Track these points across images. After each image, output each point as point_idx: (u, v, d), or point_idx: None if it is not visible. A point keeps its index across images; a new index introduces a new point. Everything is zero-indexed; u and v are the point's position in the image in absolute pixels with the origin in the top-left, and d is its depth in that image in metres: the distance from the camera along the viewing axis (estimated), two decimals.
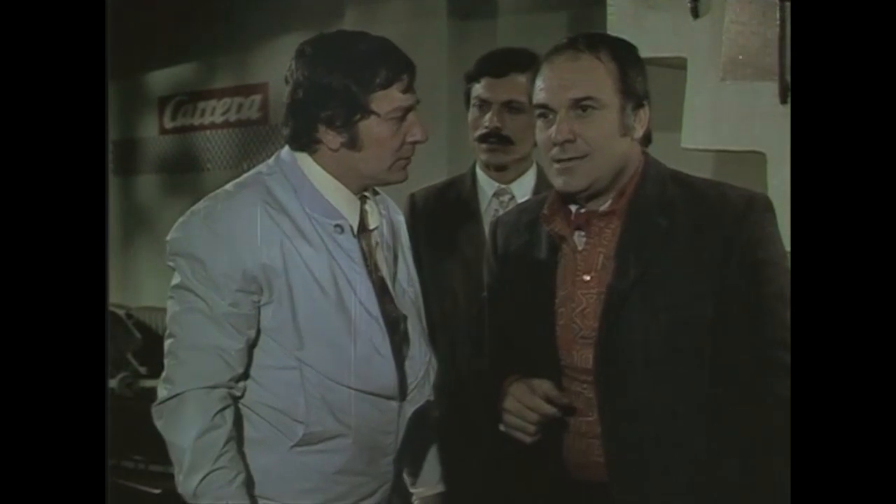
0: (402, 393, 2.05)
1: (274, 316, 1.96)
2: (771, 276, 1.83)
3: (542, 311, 1.94)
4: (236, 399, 1.97)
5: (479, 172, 2.72)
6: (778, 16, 2.96)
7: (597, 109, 1.87)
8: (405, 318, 2.08)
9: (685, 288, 1.84)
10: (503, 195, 2.68)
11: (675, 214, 1.89)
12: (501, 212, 2.54)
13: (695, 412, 1.84)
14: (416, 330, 2.10)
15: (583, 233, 1.94)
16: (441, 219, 2.69)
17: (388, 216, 2.15)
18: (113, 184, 6.32)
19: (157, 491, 4.35)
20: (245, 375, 1.98)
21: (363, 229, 2.05)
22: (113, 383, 4.97)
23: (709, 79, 3.21)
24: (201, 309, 1.94)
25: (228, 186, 2.03)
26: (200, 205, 2.00)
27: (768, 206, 1.89)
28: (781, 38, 2.94)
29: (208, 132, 6.21)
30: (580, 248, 1.94)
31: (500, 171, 2.68)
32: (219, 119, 6.14)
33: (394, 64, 1.96)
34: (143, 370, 5.21)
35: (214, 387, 1.93)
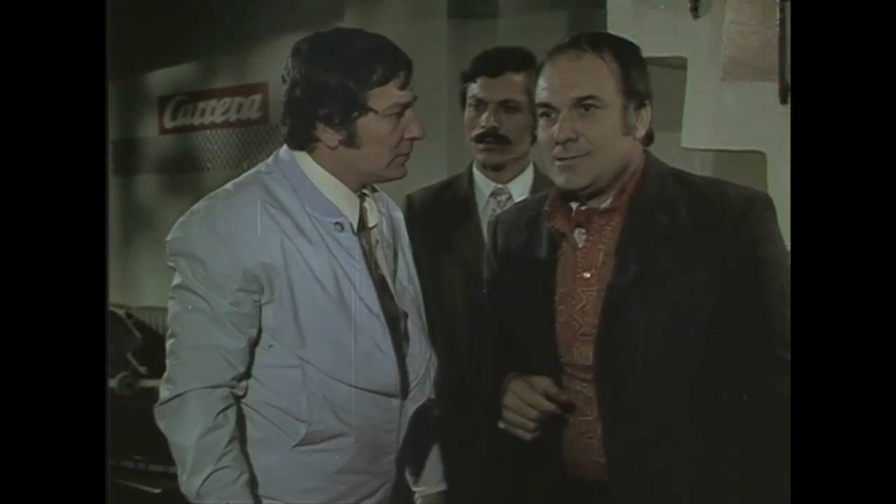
0: (404, 390, 2.05)
1: (275, 315, 1.96)
2: (771, 274, 1.83)
3: (541, 308, 1.94)
4: (238, 398, 1.98)
5: (476, 172, 2.71)
6: (778, 16, 2.96)
7: (599, 108, 1.88)
8: (406, 315, 2.09)
9: (685, 285, 1.85)
10: (500, 195, 2.68)
11: (676, 212, 1.89)
12: (499, 211, 2.54)
13: (695, 410, 1.84)
14: (416, 327, 2.10)
15: (583, 230, 1.94)
16: (438, 219, 2.69)
17: (388, 213, 2.16)
18: (113, 184, 6.31)
19: (157, 491, 4.34)
20: (247, 375, 1.98)
21: (363, 227, 2.05)
22: (113, 383, 4.96)
23: (709, 79, 3.20)
24: (202, 308, 1.94)
25: (228, 186, 2.04)
26: (200, 204, 2.00)
27: (769, 204, 1.89)
28: (781, 37, 2.94)
29: (208, 132, 6.21)
30: (580, 245, 1.94)
31: (496, 170, 2.68)
32: (219, 119, 6.14)
33: (390, 60, 1.96)
34: (143, 370, 5.20)
35: (216, 386, 1.94)
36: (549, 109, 1.91)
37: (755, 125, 3.05)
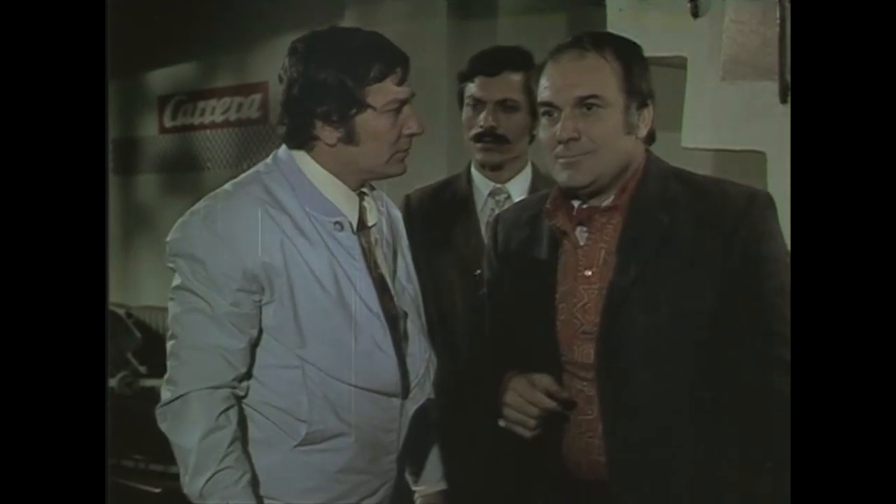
0: (405, 390, 2.05)
1: (275, 315, 1.96)
2: (772, 272, 1.83)
3: (542, 306, 1.95)
4: (240, 399, 1.98)
5: (475, 172, 2.71)
6: (778, 15, 2.96)
7: (601, 108, 1.88)
8: (405, 315, 2.09)
9: (686, 283, 1.85)
10: (499, 194, 2.68)
11: (677, 210, 1.89)
12: (498, 211, 2.54)
13: (695, 408, 1.84)
14: (415, 327, 2.10)
15: (585, 228, 1.94)
16: (437, 219, 2.69)
17: (387, 212, 2.16)
18: (112, 183, 6.31)
19: (157, 490, 4.34)
20: (248, 375, 1.98)
21: (362, 226, 2.05)
22: (113, 382, 4.96)
23: (709, 78, 3.20)
24: (202, 309, 1.94)
25: (227, 186, 2.03)
26: (199, 205, 2.00)
27: (769, 203, 1.90)
28: (781, 37, 2.94)
29: (208, 131, 6.21)
30: (582, 243, 1.94)
31: (495, 170, 2.68)
32: (219, 118, 6.14)
33: (387, 57, 1.96)
34: (143, 369, 5.19)
35: (218, 387, 1.94)
36: (551, 108, 1.91)
37: (755, 125, 3.05)
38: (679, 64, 3.30)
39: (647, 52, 2.01)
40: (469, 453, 2.36)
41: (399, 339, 2.06)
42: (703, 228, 1.87)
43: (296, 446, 1.98)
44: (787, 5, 2.89)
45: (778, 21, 2.96)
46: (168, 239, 1.99)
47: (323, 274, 1.97)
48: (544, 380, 1.87)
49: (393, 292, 2.08)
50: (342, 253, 1.99)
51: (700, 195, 1.91)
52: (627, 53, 1.93)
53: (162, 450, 1.99)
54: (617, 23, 3.37)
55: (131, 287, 6.17)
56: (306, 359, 1.96)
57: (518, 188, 2.68)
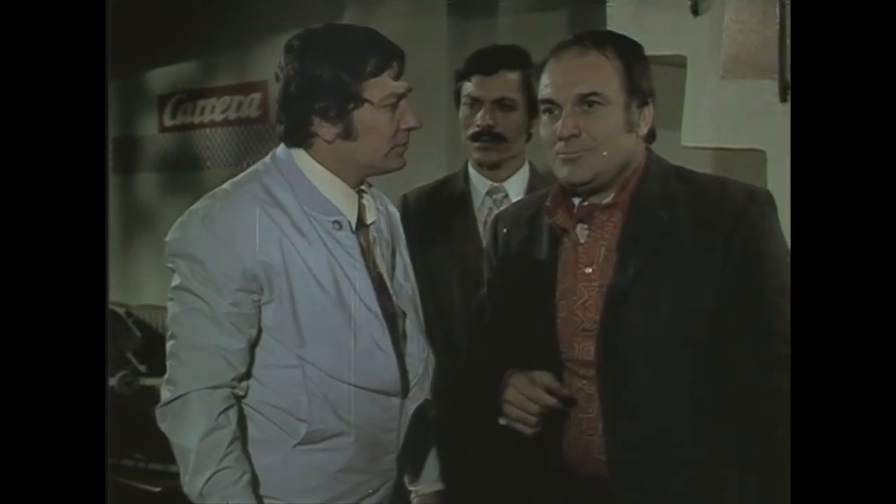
0: (404, 389, 2.05)
1: (274, 314, 1.96)
2: (772, 270, 1.84)
3: (542, 303, 1.95)
4: (239, 399, 1.98)
5: (472, 171, 2.71)
6: (778, 14, 2.96)
7: (602, 105, 1.88)
8: (404, 314, 2.09)
9: (687, 281, 1.85)
10: (496, 193, 2.68)
11: (678, 208, 1.89)
12: (495, 210, 2.54)
13: (695, 407, 1.84)
14: (414, 326, 2.10)
15: (585, 225, 1.94)
16: (435, 218, 2.69)
17: (385, 211, 2.16)
18: (112, 182, 6.31)
19: (156, 489, 4.34)
20: (247, 375, 1.98)
21: (361, 224, 2.05)
22: (113, 382, 4.96)
23: (709, 77, 3.21)
24: (202, 309, 1.94)
25: (226, 185, 2.04)
26: (198, 205, 2.00)
27: (769, 200, 1.90)
28: (781, 36, 2.94)
29: (208, 130, 6.20)
30: (582, 240, 1.94)
31: (493, 169, 2.68)
32: (218, 117, 6.13)
33: (383, 52, 1.97)
34: (142, 368, 5.19)
35: (217, 387, 1.94)
36: (551, 106, 1.91)
37: (755, 123, 3.06)
38: (679, 62, 3.30)
39: (648, 51, 2.01)
40: (468, 452, 2.36)
41: (398, 338, 2.06)
42: (703, 226, 1.87)
43: (296, 446, 1.98)
44: (787, 4, 2.89)
45: (778, 20, 2.96)
46: (167, 239, 1.99)
47: (322, 273, 1.97)
48: (545, 377, 1.88)
49: (391, 291, 2.08)
50: (341, 252, 1.99)
51: (700, 193, 1.91)
52: (628, 52, 1.93)
53: (162, 449, 1.99)
54: (617, 21, 3.37)
55: (131, 286, 6.17)
56: (306, 358, 1.96)
57: (515, 187, 2.68)
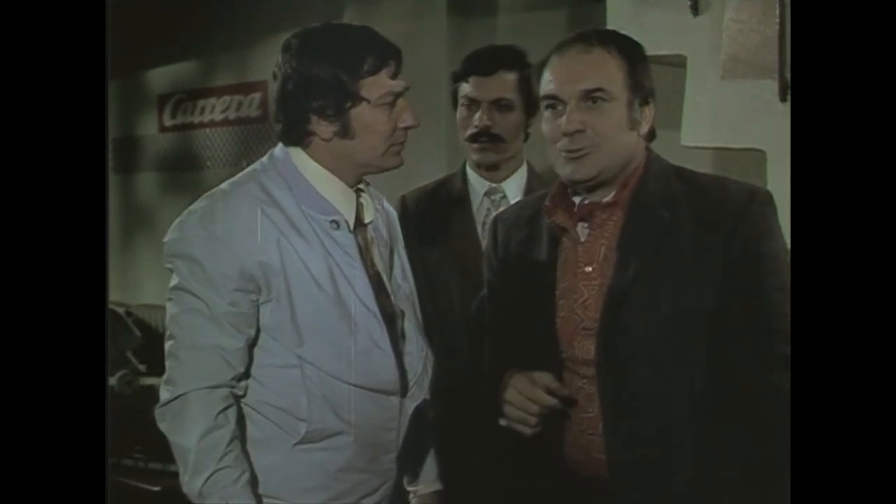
0: (403, 388, 2.05)
1: (273, 314, 1.97)
2: (772, 269, 1.84)
3: (542, 303, 1.95)
4: (238, 398, 1.98)
5: (470, 171, 2.71)
6: (777, 13, 2.96)
7: (606, 102, 1.89)
8: (402, 313, 2.09)
9: (687, 280, 1.85)
10: (495, 194, 2.68)
11: (678, 208, 1.90)
12: (494, 210, 2.55)
13: (695, 406, 1.84)
14: (412, 325, 2.11)
15: (586, 224, 1.95)
16: (434, 219, 2.69)
17: (383, 210, 2.16)
18: (112, 182, 6.31)
19: (156, 489, 4.33)
20: (246, 375, 1.99)
21: (359, 224, 2.05)
22: (112, 381, 4.96)
23: (709, 77, 3.21)
24: (200, 309, 1.94)
25: (224, 185, 2.04)
26: (196, 205, 2.00)
27: (769, 200, 1.90)
28: (781, 35, 2.94)
29: (208, 130, 6.20)
30: (583, 239, 1.94)
31: (491, 170, 2.68)
32: (218, 117, 6.13)
33: (380, 50, 1.97)
34: (142, 368, 5.19)
35: (216, 387, 1.94)
36: (555, 101, 1.92)
37: (755, 123, 3.06)
38: (679, 62, 3.31)
39: (647, 51, 2.02)
40: (468, 452, 2.36)
41: (396, 338, 2.06)
42: (703, 226, 1.87)
43: (295, 445, 1.98)
44: (787, 3, 2.89)
45: (778, 19, 2.96)
46: (165, 239, 1.99)
47: (320, 273, 1.97)
48: (545, 377, 1.88)
49: (389, 290, 2.08)
50: (338, 251, 1.99)
51: (701, 193, 1.92)
52: (631, 50, 1.95)
53: (161, 448, 1.99)
54: (617, 21, 3.37)
55: (131, 286, 6.17)
56: (304, 358, 1.96)
57: (514, 187, 2.68)
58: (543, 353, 1.93)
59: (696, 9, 3.31)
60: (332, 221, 2.01)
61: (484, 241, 2.50)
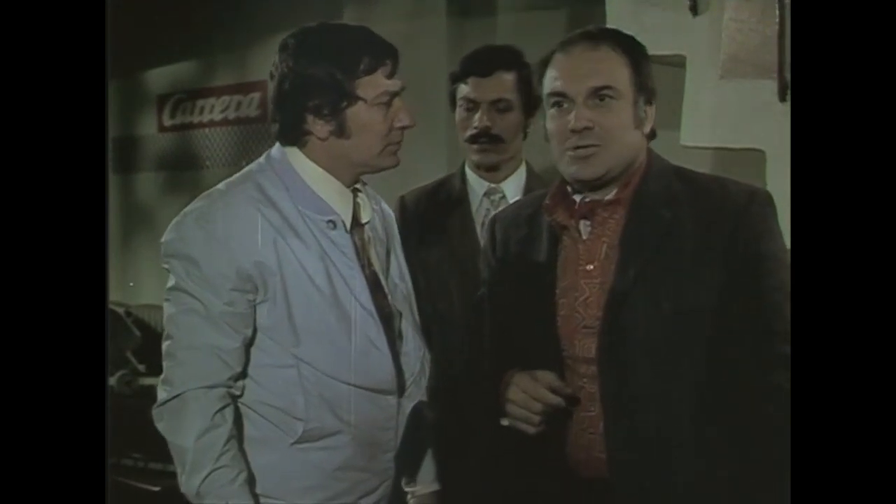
0: (400, 388, 2.05)
1: (269, 314, 1.97)
2: (772, 270, 1.84)
3: (543, 302, 1.95)
4: (235, 398, 1.98)
5: (469, 172, 2.71)
6: (777, 13, 2.97)
7: (614, 100, 1.89)
8: (400, 314, 2.09)
9: (688, 279, 1.85)
10: (494, 194, 2.68)
11: (679, 207, 1.90)
12: (493, 211, 2.55)
13: (696, 404, 1.84)
14: (409, 325, 2.11)
15: (588, 222, 1.94)
16: (432, 219, 2.69)
17: (380, 210, 2.16)
18: (112, 182, 6.30)
19: (156, 489, 4.34)
20: (243, 374, 1.99)
21: (356, 223, 2.05)
22: (112, 381, 4.96)
23: (708, 76, 3.21)
24: (197, 310, 1.94)
25: (220, 186, 2.04)
26: (193, 205, 2.01)
27: (769, 201, 1.91)
28: (780, 35, 2.94)
29: (207, 130, 6.20)
30: (584, 237, 1.94)
31: (490, 170, 2.68)
32: (218, 117, 6.13)
33: (376, 50, 1.97)
34: (142, 368, 5.19)
35: (213, 386, 1.94)
36: (562, 99, 1.91)
37: (754, 123, 3.06)
38: (678, 62, 3.31)
39: (647, 50, 2.02)
40: (468, 452, 2.36)
41: (393, 337, 2.06)
42: (703, 226, 1.87)
43: (293, 444, 1.98)
44: (787, 3, 2.89)
45: (777, 19, 2.97)
46: (163, 240, 2.00)
47: (316, 272, 1.97)
48: (548, 375, 1.88)
49: (386, 290, 2.08)
50: (335, 251, 2.00)
51: (701, 193, 1.92)
52: (635, 49, 1.95)
53: (161, 448, 1.99)
54: (616, 20, 3.37)
55: (130, 286, 6.16)
56: (301, 357, 1.96)
57: (513, 188, 2.68)
58: (544, 352, 1.93)
59: (695, 9, 3.31)
60: (329, 221, 2.01)
61: (482, 240, 2.49)
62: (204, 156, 6.23)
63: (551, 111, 1.94)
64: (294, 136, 2.01)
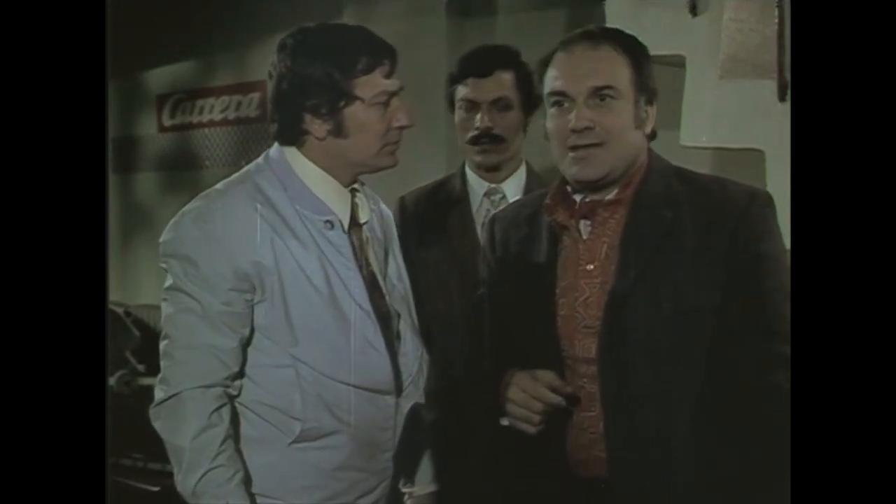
0: (398, 388, 2.05)
1: (267, 314, 1.97)
2: (772, 270, 1.84)
3: (543, 302, 1.95)
4: (232, 398, 1.98)
5: (469, 172, 2.71)
6: (776, 13, 2.96)
7: (615, 99, 1.89)
8: (398, 314, 2.09)
9: (688, 280, 1.85)
10: (494, 194, 2.68)
11: (680, 208, 1.90)
12: (493, 211, 2.54)
13: (696, 405, 1.84)
14: (407, 325, 2.11)
15: (588, 222, 1.94)
16: (432, 220, 2.68)
17: (378, 211, 2.16)
18: (111, 182, 6.30)
19: (155, 489, 4.34)
20: (240, 374, 1.99)
21: (354, 224, 2.06)
22: (111, 381, 4.96)
23: (707, 77, 3.21)
24: (194, 309, 1.95)
25: (219, 185, 2.05)
26: (191, 205, 2.01)
27: (770, 202, 1.91)
28: (780, 35, 2.94)
29: (207, 130, 6.20)
30: (584, 237, 1.94)
31: (491, 171, 2.68)
32: (217, 117, 6.13)
33: (374, 49, 1.98)
34: (141, 368, 5.19)
35: (210, 386, 1.94)
36: (562, 98, 1.91)
37: (754, 123, 3.06)
38: (678, 62, 3.31)
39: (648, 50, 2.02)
40: (468, 453, 2.36)
41: (391, 337, 2.07)
42: (704, 226, 1.87)
43: (291, 444, 1.99)
44: (786, 3, 2.89)
45: (777, 19, 2.96)
46: (161, 240, 2.00)
47: (314, 273, 1.98)
48: (548, 375, 1.88)
49: (384, 290, 2.08)
50: (332, 251, 2.00)
51: (701, 194, 1.92)
52: (636, 49, 1.95)
53: (160, 448, 2.00)
54: (615, 20, 3.37)
55: (130, 286, 6.16)
56: (299, 357, 1.97)
57: (513, 187, 2.68)
58: (544, 352, 1.93)
59: (694, 9, 3.31)
60: (327, 221, 2.01)
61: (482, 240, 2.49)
62: (203, 156, 6.23)
63: (552, 110, 1.94)
64: (292, 135, 2.02)
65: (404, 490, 2.22)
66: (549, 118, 1.94)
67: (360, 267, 2.04)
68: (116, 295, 5.98)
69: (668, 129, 2.93)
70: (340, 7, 4.90)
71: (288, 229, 1.98)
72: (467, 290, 2.38)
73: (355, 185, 2.08)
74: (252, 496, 1.96)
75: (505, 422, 1.92)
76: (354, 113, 1.97)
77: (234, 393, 1.98)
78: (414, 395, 2.09)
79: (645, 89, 1.93)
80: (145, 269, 6.07)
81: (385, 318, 2.06)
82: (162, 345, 1.99)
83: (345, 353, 1.98)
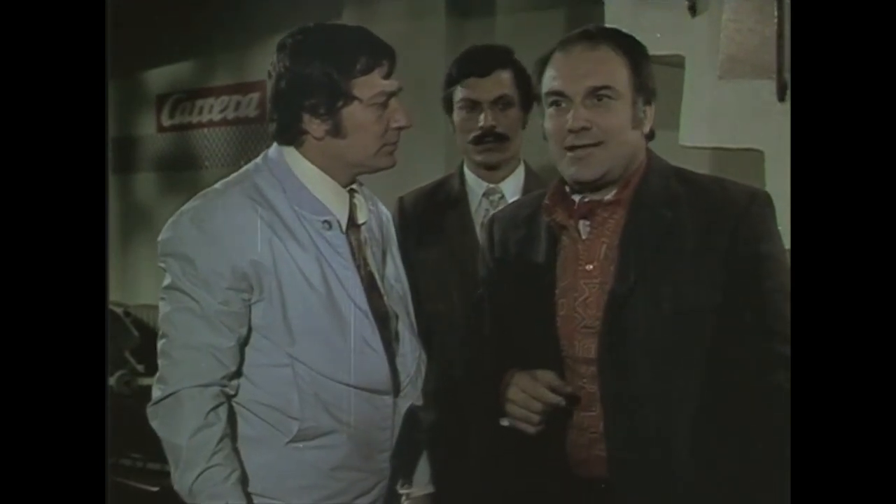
0: (396, 388, 2.05)
1: (264, 314, 1.97)
2: (772, 270, 1.84)
3: (542, 302, 1.95)
4: (230, 397, 1.98)
5: (468, 172, 2.71)
6: (776, 13, 2.97)
7: (613, 100, 1.89)
8: (396, 315, 2.09)
9: (688, 280, 1.85)
10: (493, 194, 2.68)
11: (679, 207, 1.90)
12: (492, 211, 2.54)
13: (696, 405, 1.84)
14: (405, 326, 2.11)
15: (587, 222, 1.94)
16: (431, 220, 2.68)
17: (377, 211, 2.16)
18: (111, 182, 6.30)
19: (154, 489, 4.34)
20: (238, 373, 1.99)
21: (352, 224, 2.06)
22: (111, 381, 4.96)
23: (707, 77, 3.21)
24: (192, 308, 1.95)
25: (217, 185, 2.05)
26: (190, 204, 2.01)
27: (769, 202, 1.91)
28: (779, 35, 2.94)
29: (206, 130, 6.20)
30: (583, 237, 1.94)
31: (492, 170, 2.68)
32: (217, 117, 6.13)
33: (373, 50, 1.98)
34: (140, 368, 5.19)
35: (207, 385, 1.95)
36: (560, 98, 1.91)
37: (753, 123, 3.06)
38: (677, 62, 3.31)
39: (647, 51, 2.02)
40: (467, 453, 2.36)
41: (389, 338, 2.06)
42: (703, 226, 1.88)
43: (288, 443, 1.98)
44: (786, 3, 2.89)
45: (776, 19, 2.97)
46: (159, 239, 2.01)
47: (312, 273, 1.98)
48: (548, 375, 1.88)
49: (382, 291, 2.08)
50: (330, 252, 2.00)
51: (701, 194, 1.92)
52: (635, 49, 1.95)
53: (160, 448, 1.99)
54: (615, 20, 3.36)
55: (129, 286, 6.16)
56: (296, 357, 1.97)
57: (512, 187, 2.68)
58: (544, 352, 1.93)
59: (694, 9, 3.31)
60: (325, 222, 2.01)
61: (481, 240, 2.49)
62: (203, 156, 6.23)
63: (550, 111, 1.94)
64: (291, 135, 2.02)
65: (402, 491, 2.22)
66: (548, 118, 1.94)
67: (357, 267, 2.04)
68: (116, 295, 5.98)
69: (668, 129, 2.93)
70: (340, 7, 4.90)
71: (286, 229, 1.98)
72: (467, 291, 2.38)
73: (354, 186, 2.08)
74: (249, 495, 1.96)
75: (505, 422, 1.92)
76: (352, 113, 1.97)
77: (232, 392, 1.98)
78: (412, 395, 2.09)
79: (643, 89, 1.93)
80: (145, 270, 6.07)
81: (383, 319, 2.06)
82: (160, 344, 1.99)
83: (343, 352, 1.98)
